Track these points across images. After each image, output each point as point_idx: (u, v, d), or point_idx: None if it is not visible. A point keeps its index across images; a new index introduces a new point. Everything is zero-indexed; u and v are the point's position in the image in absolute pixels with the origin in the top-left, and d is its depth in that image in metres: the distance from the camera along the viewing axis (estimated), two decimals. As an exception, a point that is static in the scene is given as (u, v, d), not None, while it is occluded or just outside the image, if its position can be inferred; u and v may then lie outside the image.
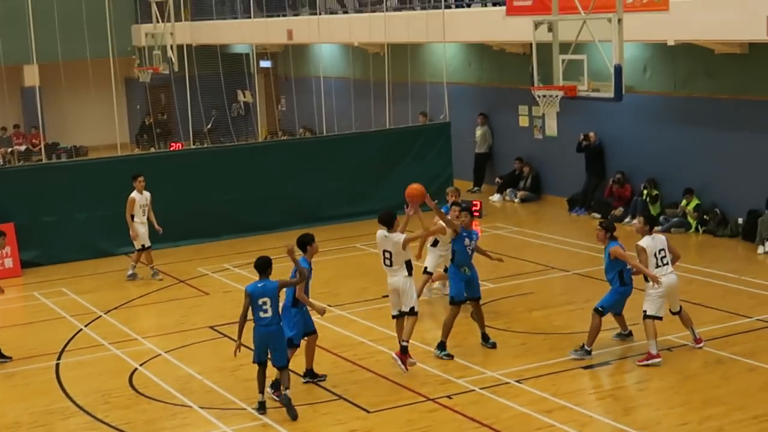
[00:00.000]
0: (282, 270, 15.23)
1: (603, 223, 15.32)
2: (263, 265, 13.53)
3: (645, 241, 14.67)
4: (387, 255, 14.84)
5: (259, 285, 13.35)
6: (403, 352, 14.62)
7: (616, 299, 15.04)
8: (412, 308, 14.67)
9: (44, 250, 22.83)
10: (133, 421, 13.53)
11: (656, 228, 15.74)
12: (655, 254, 14.62)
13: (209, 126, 37.79)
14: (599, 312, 14.93)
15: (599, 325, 14.90)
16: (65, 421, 13.74)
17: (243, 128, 37.91)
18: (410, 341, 14.68)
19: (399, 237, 14.72)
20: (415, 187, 15.78)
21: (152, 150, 35.19)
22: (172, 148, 31.55)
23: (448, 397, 13.70)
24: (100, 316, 18.70)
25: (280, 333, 13.48)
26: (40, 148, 31.74)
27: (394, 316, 14.97)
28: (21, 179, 23.58)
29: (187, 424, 13.42)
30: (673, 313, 15.13)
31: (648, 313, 14.63)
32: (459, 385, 14.10)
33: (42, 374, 15.66)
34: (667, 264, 14.70)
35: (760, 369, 14.12)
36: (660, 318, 14.67)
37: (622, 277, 14.85)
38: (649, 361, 14.50)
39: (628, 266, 14.83)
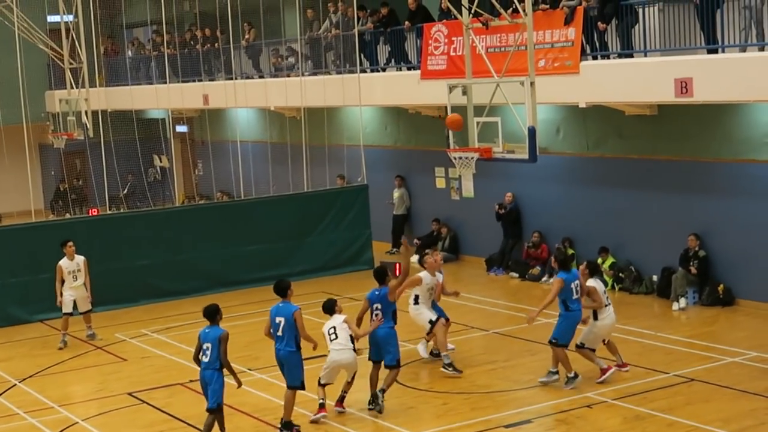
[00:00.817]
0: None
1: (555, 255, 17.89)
2: (212, 313, 14.40)
3: (592, 282, 16.32)
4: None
5: (207, 330, 14.19)
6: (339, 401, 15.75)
7: (563, 325, 16.26)
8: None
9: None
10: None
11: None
12: (604, 292, 16.49)
13: (125, 191, 37.52)
14: (553, 343, 16.29)
15: (564, 353, 16.23)
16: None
17: (160, 193, 37.70)
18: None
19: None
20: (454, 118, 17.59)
21: (67, 216, 34.78)
22: (90, 214, 31.21)
23: (372, 456, 13.68)
24: (15, 384, 18.35)
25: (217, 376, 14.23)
26: (-47, 216, 31.22)
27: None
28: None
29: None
30: (604, 343, 16.74)
31: (586, 345, 16.35)
32: None
33: (-45, 446, 15.33)
34: (610, 304, 16.46)
35: (678, 424, 14.30)
36: (593, 350, 16.38)
37: (566, 304, 16.11)
38: (606, 375, 16.26)
39: (574, 297, 16.17)
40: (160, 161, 38.48)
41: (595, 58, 21.45)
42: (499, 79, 17.95)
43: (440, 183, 28.58)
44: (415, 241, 28.75)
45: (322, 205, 27.06)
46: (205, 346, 14.19)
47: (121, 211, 31.39)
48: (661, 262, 22.26)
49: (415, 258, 28.11)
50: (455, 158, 19.02)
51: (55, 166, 40.20)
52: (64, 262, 20.75)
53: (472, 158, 18.71)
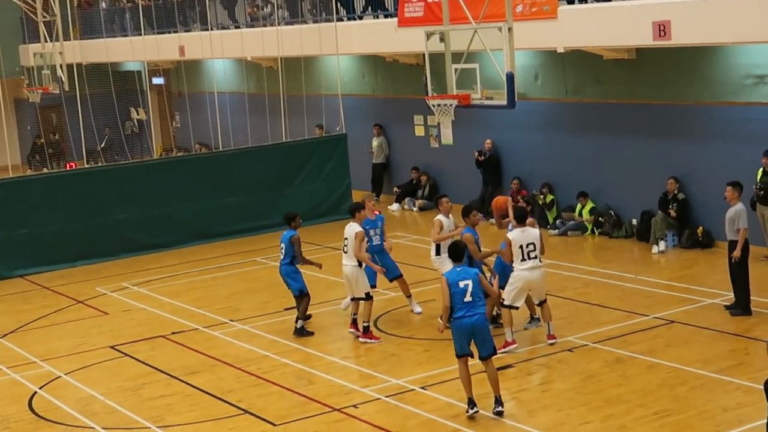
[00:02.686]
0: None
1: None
2: (288, 219, 17.65)
3: (512, 234, 15.58)
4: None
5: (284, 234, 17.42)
6: (365, 332, 16.51)
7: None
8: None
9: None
10: (33, 446, 13.30)
11: (531, 221, 16.20)
12: (521, 247, 15.44)
13: (103, 145, 37.31)
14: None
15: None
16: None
17: (137, 146, 37.53)
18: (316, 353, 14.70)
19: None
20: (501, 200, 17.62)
21: (45, 171, 34.61)
22: (68, 168, 31.06)
23: (354, 406, 13.71)
24: (-3, 340, 18.36)
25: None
26: (-71, 172, 31.00)
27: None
28: None
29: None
30: (537, 304, 16.00)
31: (504, 303, 15.54)
32: (364, 394, 14.13)
33: (-62, 402, 15.30)
34: (534, 258, 15.46)
35: (659, 366, 14.39)
36: (516, 308, 15.54)
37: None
38: (507, 348, 15.30)
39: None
40: (137, 114, 38.26)
41: (572, 2, 21.36)
42: (477, 26, 17.81)
43: (419, 131, 28.51)
44: (395, 189, 28.74)
45: (301, 155, 26.97)
46: (281, 246, 17.25)
47: (99, 164, 31.20)
48: (641, 205, 22.32)
49: (395, 206, 28.21)
50: (434, 106, 18.92)
51: (31, 121, 39.95)
52: None
53: (450, 105, 18.62)
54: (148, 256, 24.02)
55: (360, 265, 16.63)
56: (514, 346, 15.43)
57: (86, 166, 28.43)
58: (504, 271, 15.99)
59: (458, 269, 13.03)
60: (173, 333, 17.76)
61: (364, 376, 14.91)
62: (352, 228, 16.81)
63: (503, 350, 15.10)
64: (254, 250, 23.83)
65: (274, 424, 13.32)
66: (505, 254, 15.70)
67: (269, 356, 16.17)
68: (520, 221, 15.62)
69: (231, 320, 18.26)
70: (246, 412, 13.84)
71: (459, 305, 12.79)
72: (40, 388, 15.42)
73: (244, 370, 15.57)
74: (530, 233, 15.50)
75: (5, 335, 18.51)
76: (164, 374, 15.71)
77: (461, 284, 12.80)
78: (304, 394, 14.33)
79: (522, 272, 15.43)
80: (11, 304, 20.72)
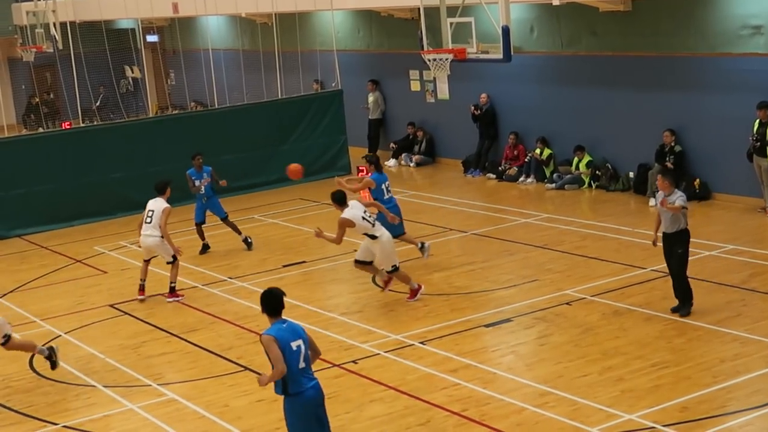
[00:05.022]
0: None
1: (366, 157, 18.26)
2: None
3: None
4: None
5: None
6: (171, 291, 17.36)
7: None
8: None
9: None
10: (35, 404, 13.34)
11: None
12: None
13: (98, 103, 37.20)
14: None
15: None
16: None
17: (133, 104, 37.42)
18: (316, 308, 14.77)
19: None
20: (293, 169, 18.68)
21: (40, 130, 34.51)
22: (64, 127, 30.98)
23: (353, 362, 13.78)
24: (-5, 300, 18.41)
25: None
26: (-77, 133, 30.90)
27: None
28: None
29: (92, 403, 13.27)
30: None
31: (392, 268, 15.92)
32: (363, 350, 14.19)
33: (-62, 362, 15.35)
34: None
35: (656, 318, 14.46)
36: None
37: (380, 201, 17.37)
38: (419, 294, 16.13)
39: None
40: (132, 72, 38.11)
41: (567, -46, 21.25)
42: (472, -21, 17.75)
43: (415, 86, 28.44)
44: (391, 144, 28.71)
45: (297, 111, 26.91)
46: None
47: (95, 123, 31.11)
48: (638, 158, 22.31)
49: (392, 162, 28.18)
50: (429, 60, 18.90)
51: (25, 80, 39.77)
52: None
53: (446, 60, 18.60)
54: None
55: (162, 237, 17.18)
56: (423, 288, 16.21)
57: (81, 125, 28.32)
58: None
59: (283, 325, 9.79)
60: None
61: (362, 331, 14.96)
62: (159, 203, 17.41)
63: (414, 298, 15.99)
64: (251, 208, 23.84)
65: (274, 380, 13.37)
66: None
67: (268, 313, 16.18)
68: (341, 203, 15.88)
69: (229, 278, 18.30)
70: (245, 368, 13.91)
71: (293, 374, 9.63)
72: (41, 347, 15.46)
73: (243, 327, 15.63)
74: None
75: (4, 295, 18.55)
76: (163, 332, 15.78)
77: (293, 345, 9.71)
78: (306, 349, 14.37)
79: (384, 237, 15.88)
80: (9, 264, 20.74)
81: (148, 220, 17.40)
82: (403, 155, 28.19)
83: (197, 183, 20.23)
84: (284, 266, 18.64)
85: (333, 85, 27.96)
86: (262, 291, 9.76)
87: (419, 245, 18.03)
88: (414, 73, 28.21)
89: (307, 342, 9.79)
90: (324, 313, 15.92)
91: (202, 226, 20.39)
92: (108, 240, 22.04)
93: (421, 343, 14.26)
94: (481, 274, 17.34)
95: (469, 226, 20.67)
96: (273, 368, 9.53)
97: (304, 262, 18.88)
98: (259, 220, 22.83)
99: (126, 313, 16.87)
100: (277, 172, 26.04)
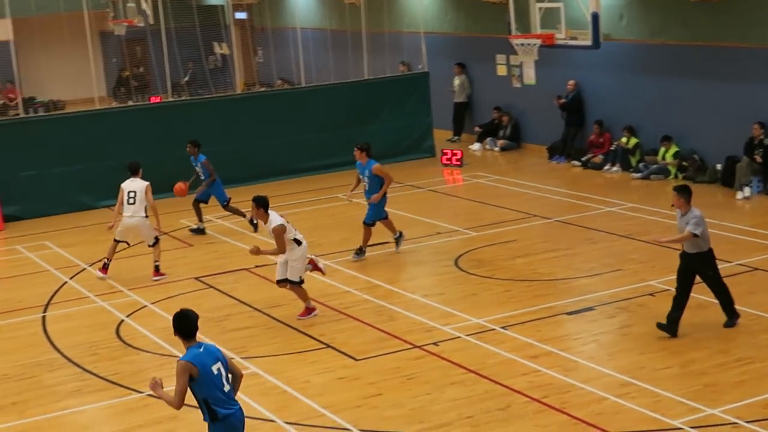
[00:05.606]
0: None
1: (359, 145, 17.94)
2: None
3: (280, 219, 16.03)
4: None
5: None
6: (157, 270, 17.85)
7: (377, 210, 17.76)
8: None
9: (25, 205, 22.79)
10: (120, 372, 13.61)
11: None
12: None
13: (187, 78, 37.61)
14: (369, 225, 17.81)
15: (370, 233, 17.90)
16: (53, 372, 13.83)
17: (221, 80, 37.72)
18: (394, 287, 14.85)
19: None
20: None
21: (130, 103, 35.01)
22: (152, 101, 31.41)
23: (434, 344, 13.85)
24: (84, 268, 18.74)
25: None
26: (17, 103, 31.52)
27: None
28: (-1, 134, 23.54)
29: (174, 374, 13.45)
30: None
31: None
32: (445, 333, 14.25)
33: (28, 327, 15.73)
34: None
35: (741, 313, 14.29)
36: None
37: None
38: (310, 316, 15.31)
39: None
40: (220, 48, 38.43)
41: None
42: (565, -35, 17.67)
43: (501, 70, 28.33)
44: (476, 128, 28.67)
45: (383, 92, 26.98)
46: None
47: (183, 98, 31.49)
48: (726, 150, 22.03)
49: (476, 146, 28.14)
50: (517, 45, 18.91)
51: (117, 54, 40.34)
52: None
53: (534, 45, 18.62)
54: (231, 190, 24.21)
55: (146, 216, 17.57)
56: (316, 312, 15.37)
57: (170, 99, 28.68)
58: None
59: (200, 350, 9.22)
60: (256, 266, 18.00)
61: (444, 314, 15.02)
62: (138, 183, 17.71)
63: (307, 317, 15.19)
64: (334, 187, 23.96)
65: (355, 359, 13.51)
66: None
67: (350, 291, 16.36)
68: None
69: (313, 255, 18.41)
70: (327, 346, 14.05)
71: (219, 398, 9.12)
72: (127, 317, 15.79)
73: (325, 304, 15.77)
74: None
75: (92, 264, 18.91)
76: (247, 306, 15.99)
77: (214, 369, 9.16)
78: (385, 330, 14.50)
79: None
80: (97, 234, 21.06)
81: (131, 201, 17.60)
82: (488, 139, 28.13)
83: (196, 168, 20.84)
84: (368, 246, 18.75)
85: (419, 67, 27.98)
86: (174, 313, 9.44)
87: (396, 234, 18.23)
88: (501, 58, 28.10)
89: (225, 363, 9.26)
90: (406, 294, 16.00)
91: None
92: (194, 214, 22.26)
93: (503, 328, 14.29)
94: (563, 262, 17.30)
95: (552, 212, 20.61)
96: (173, 396, 9.11)
97: (387, 242, 18.98)
98: (342, 199, 22.94)
99: (210, 287, 17.11)
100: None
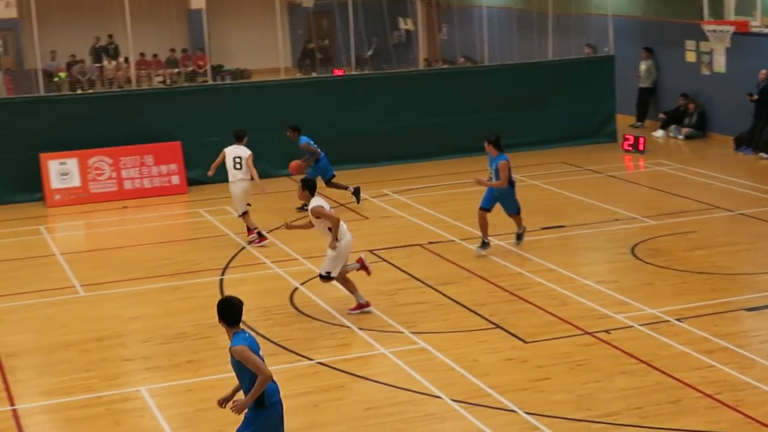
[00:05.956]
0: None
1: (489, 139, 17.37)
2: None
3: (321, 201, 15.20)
4: None
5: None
6: (260, 236, 18.38)
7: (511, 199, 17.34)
8: None
9: (206, 170, 23.34)
10: (293, 338, 13.85)
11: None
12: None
13: (370, 53, 37.93)
14: (486, 210, 17.22)
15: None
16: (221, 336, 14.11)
17: (404, 56, 37.94)
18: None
19: None
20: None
21: (314, 75, 35.53)
22: (335, 74, 31.79)
23: (606, 331, 13.63)
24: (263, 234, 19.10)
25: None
26: (206, 70, 32.38)
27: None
28: (187, 100, 24.19)
29: (346, 344, 13.68)
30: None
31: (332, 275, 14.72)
32: (617, 321, 14.01)
33: (206, 289, 16.14)
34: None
35: None
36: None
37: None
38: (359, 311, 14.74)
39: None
40: (405, 24, 38.62)
41: None
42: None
43: (690, 57, 27.58)
44: (660, 115, 28.05)
45: (566, 74, 26.64)
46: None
47: (365, 72, 31.78)
48: None
49: (660, 133, 27.54)
50: (709, 31, 18.37)
51: (303, 26, 40.97)
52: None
53: (727, 32, 18.09)
54: (409, 165, 24.40)
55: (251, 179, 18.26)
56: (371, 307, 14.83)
57: (353, 72, 28.99)
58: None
59: (245, 335, 9.14)
60: (430, 243, 18.04)
61: (617, 302, 14.77)
62: (243, 150, 18.38)
63: (357, 311, 14.68)
64: (514, 167, 23.75)
65: (525, 341, 13.42)
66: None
67: (523, 273, 16.24)
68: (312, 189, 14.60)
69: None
70: (497, 326, 13.99)
71: (269, 384, 9.06)
72: (301, 284, 16.05)
73: (497, 284, 15.70)
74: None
75: (270, 231, 19.27)
76: (419, 281, 16.04)
77: (261, 354, 9.14)
78: (556, 314, 14.34)
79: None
80: (276, 202, 21.47)
81: (238, 166, 18.32)
82: (672, 127, 27.47)
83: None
84: (543, 228, 18.60)
85: (605, 50, 27.53)
86: (219, 300, 9.26)
87: (521, 230, 17.77)
88: (690, 44, 27.35)
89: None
90: (579, 280, 15.79)
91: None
92: (371, 187, 22.49)
93: (678, 320, 13.95)
94: (745, 256, 16.78)
95: (736, 205, 20.00)
96: (257, 372, 8.84)
97: (562, 226, 18.77)
98: (520, 180, 22.73)
99: (384, 260, 17.23)
100: (540, 134, 25.98)
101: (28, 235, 20.01)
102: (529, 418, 11.19)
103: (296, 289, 15.89)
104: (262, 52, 36.44)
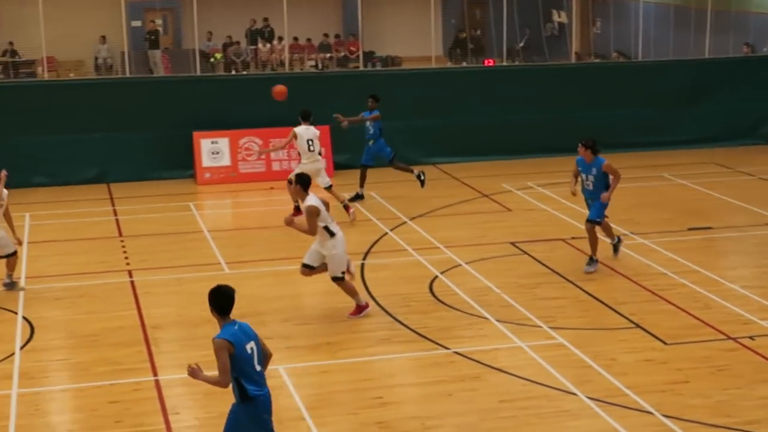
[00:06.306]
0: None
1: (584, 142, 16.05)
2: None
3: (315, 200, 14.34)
4: None
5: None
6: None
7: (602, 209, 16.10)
8: None
9: (356, 154, 23.54)
10: (429, 327, 13.89)
11: None
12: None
13: (522, 44, 37.65)
14: (596, 223, 16.05)
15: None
16: (366, 318, 14.20)
17: (556, 48, 37.55)
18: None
19: None
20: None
21: (464, 64, 35.46)
22: (485, 64, 31.71)
23: (750, 338, 13.30)
24: (405, 222, 19.24)
25: None
26: (357, 56, 32.61)
27: None
28: (338, 85, 24.47)
29: (483, 335, 13.66)
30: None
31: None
32: (763, 327, 13.66)
33: (348, 272, 16.30)
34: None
35: None
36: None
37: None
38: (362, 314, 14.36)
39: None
40: (559, 17, 38.23)
41: None
42: None
43: None
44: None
45: (721, 73, 26.07)
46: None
47: (516, 63, 31.59)
48: None
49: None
50: None
51: (456, 15, 40.90)
52: None
53: None
54: (554, 159, 24.18)
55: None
56: (369, 308, 14.45)
57: (503, 63, 28.85)
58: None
59: (234, 327, 8.86)
60: (572, 238, 17.89)
61: (763, 307, 14.39)
62: (314, 130, 19.03)
63: (358, 315, 14.25)
64: (661, 165, 23.44)
65: (665, 343, 13.19)
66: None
67: (666, 274, 15.96)
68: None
69: (630, 233, 18.12)
70: (637, 326, 13.79)
71: (251, 377, 8.84)
72: (441, 273, 16.09)
73: (639, 283, 15.48)
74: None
75: (414, 218, 19.37)
76: (559, 276, 15.92)
77: (248, 348, 8.87)
78: (699, 317, 14.06)
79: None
80: (419, 190, 21.52)
81: (311, 148, 18.86)
82: (831, 131, 26.65)
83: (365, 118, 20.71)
84: (689, 229, 18.25)
85: (765, 50, 26.81)
86: (211, 288, 8.99)
87: (614, 240, 16.84)
88: None
89: (258, 342, 8.93)
90: (724, 283, 15.44)
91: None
92: (516, 179, 22.41)
93: (826, 330, 13.56)
94: None
95: None
96: (218, 375, 8.70)
97: (710, 228, 18.39)
98: (668, 179, 22.42)
99: (525, 253, 17.14)
100: (691, 133, 25.48)
101: (177, 211, 20.54)
102: (665, 420, 11.02)
103: (436, 277, 15.93)
104: (414, 40, 36.43)
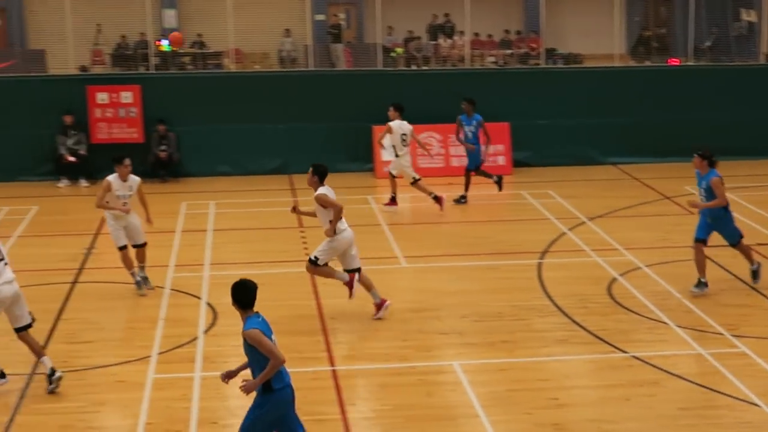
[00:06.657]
0: None
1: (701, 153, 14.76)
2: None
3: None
4: None
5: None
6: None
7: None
8: None
9: (536, 152, 23.46)
10: (608, 329, 13.68)
11: None
12: None
13: (709, 43, 36.73)
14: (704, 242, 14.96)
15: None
16: (543, 318, 14.16)
17: (744, 48, 36.52)
18: None
19: None
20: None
21: (647, 63, 34.82)
22: (670, 63, 31.08)
23: None
24: (584, 222, 19.00)
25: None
26: (539, 53, 32.36)
27: None
28: (518, 82, 24.34)
29: (663, 340, 13.37)
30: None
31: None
32: None
33: (525, 271, 16.21)
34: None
35: None
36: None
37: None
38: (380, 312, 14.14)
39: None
40: (748, 15, 37.13)
41: None
42: None
43: None
44: None
45: None
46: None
47: (701, 63, 30.82)
48: None
49: None
50: None
51: (640, 13, 40.18)
52: (114, 180, 15.09)
53: None
54: (740, 162, 23.34)
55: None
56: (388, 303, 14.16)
57: (689, 63, 28.20)
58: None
59: (258, 319, 9.03)
60: (758, 244, 17.31)
61: None
62: (408, 125, 19.78)
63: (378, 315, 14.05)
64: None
65: None
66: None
67: None
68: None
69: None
70: (827, 339, 13.29)
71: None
72: (620, 275, 15.82)
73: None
74: None
75: (593, 218, 19.12)
76: (743, 283, 15.48)
77: (273, 339, 9.04)
78: None
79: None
80: (600, 189, 21.30)
81: (405, 142, 19.71)
82: None
83: (465, 128, 20.65)
84: None
85: None
86: (234, 282, 8.96)
87: (754, 266, 15.55)
88: None
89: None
90: None
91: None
92: (690, 182, 21.79)
93: None
94: None
95: None
96: (270, 360, 8.80)
97: None
98: None
99: (708, 258, 16.59)
100: None
101: (357, 204, 20.76)
102: None
103: (615, 279, 15.68)
104: (597, 37, 35.97)
